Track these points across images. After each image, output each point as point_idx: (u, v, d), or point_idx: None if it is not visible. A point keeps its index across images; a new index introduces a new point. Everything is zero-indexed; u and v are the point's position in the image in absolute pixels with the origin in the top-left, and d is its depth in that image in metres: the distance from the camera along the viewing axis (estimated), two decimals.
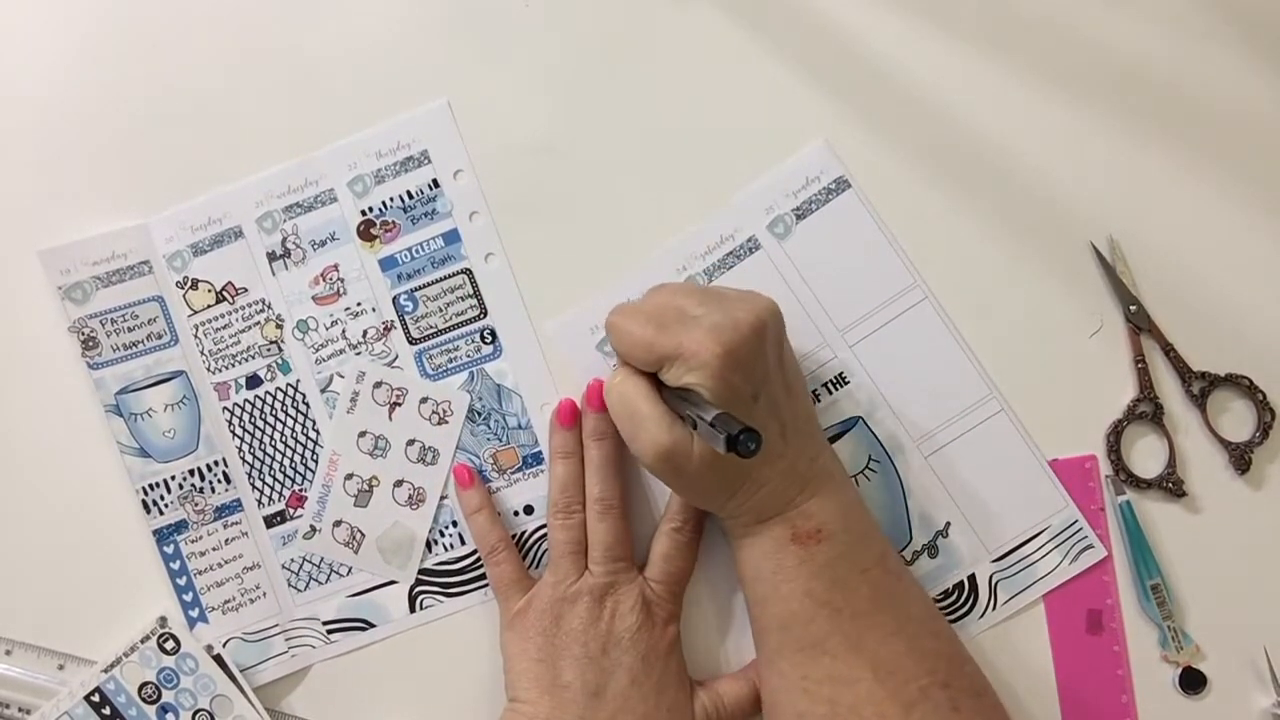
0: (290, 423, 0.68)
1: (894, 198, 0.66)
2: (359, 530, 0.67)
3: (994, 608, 0.64)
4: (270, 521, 0.68)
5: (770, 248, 0.66)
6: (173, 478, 0.67)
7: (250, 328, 0.68)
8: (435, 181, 0.67)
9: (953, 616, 0.65)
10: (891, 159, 0.66)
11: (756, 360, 0.56)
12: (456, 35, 0.68)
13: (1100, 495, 0.65)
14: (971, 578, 0.65)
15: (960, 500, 0.65)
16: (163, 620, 0.66)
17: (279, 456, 0.68)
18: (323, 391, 0.68)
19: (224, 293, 0.68)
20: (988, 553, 0.65)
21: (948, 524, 0.65)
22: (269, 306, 0.68)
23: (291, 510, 0.68)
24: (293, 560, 0.68)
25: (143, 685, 0.65)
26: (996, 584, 0.65)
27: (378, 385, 0.67)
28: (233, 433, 0.68)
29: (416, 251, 0.67)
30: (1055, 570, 0.64)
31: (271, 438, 0.68)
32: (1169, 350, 0.65)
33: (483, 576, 0.67)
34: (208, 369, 0.68)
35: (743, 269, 0.66)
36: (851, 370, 0.65)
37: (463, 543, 0.67)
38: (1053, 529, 0.64)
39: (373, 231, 0.68)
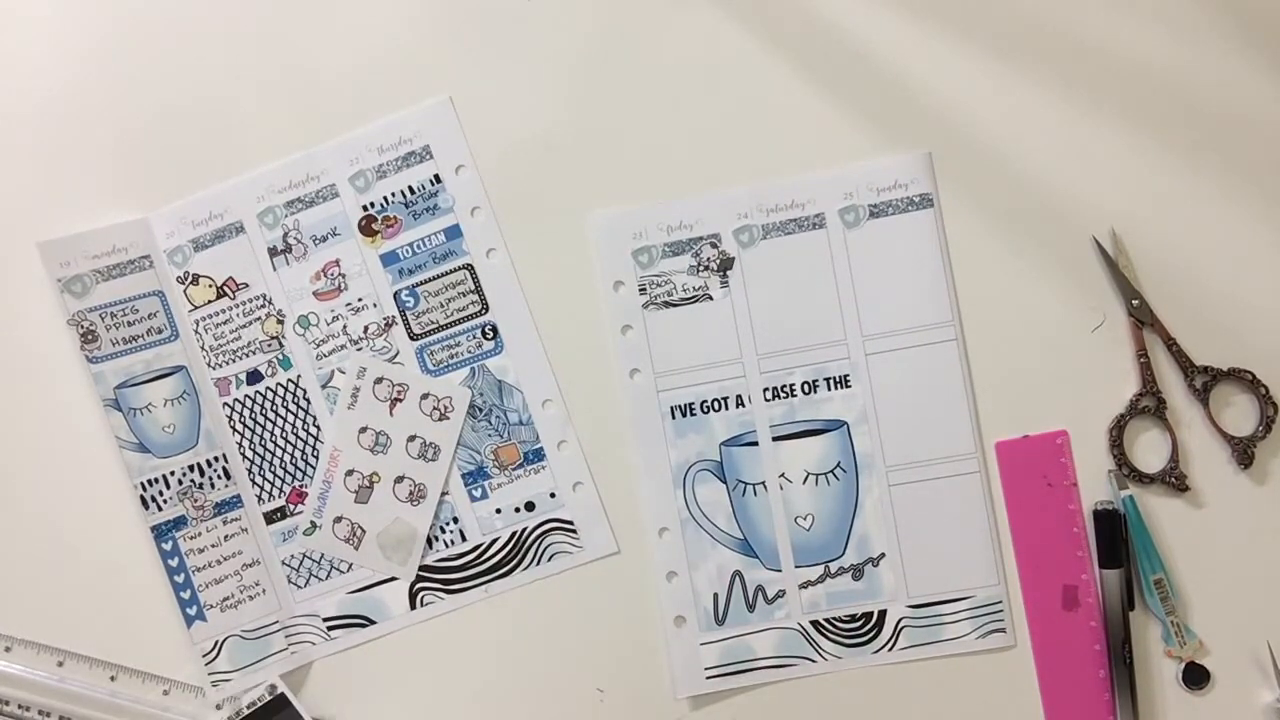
0: (291, 418, 0.67)
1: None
2: (359, 526, 0.67)
3: (890, 649, 0.65)
4: (270, 518, 0.68)
5: (834, 230, 0.66)
6: (172, 473, 0.67)
7: (251, 323, 0.68)
8: (437, 177, 0.67)
9: (852, 641, 0.65)
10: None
11: None
12: (459, 31, 0.68)
13: (1071, 470, 0.65)
14: (883, 613, 0.65)
15: (903, 537, 0.65)
16: None
17: (279, 452, 0.67)
18: (323, 387, 0.67)
19: (225, 288, 0.68)
20: (907, 596, 0.65)
21: (882, 555, 0.65)
22: (270, 302, 0.68)
23: (292, 506, 0.67)
24: (293, 557, 0.67)
25: None
26: (902, 629, 0.65)
27: (379, 381, 0.67)
28: (233, 428, 0.68)
29: (418, 247, 0.67)
30: (960, 639, 0.65)
31: (272, 433, 0.67)
32: (1171, 344, 0.65)
33: (483, 573, 0.66)
34: (208, 364, 0.68)
35: (799, 239, 0.66)
36: (858, 376, 0.66)
37: (463, 539, 0.67)
38: (975, 600, 0.65)
39: (374, 227, 0.67)
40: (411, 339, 0.67)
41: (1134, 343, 0.65)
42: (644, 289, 0.66)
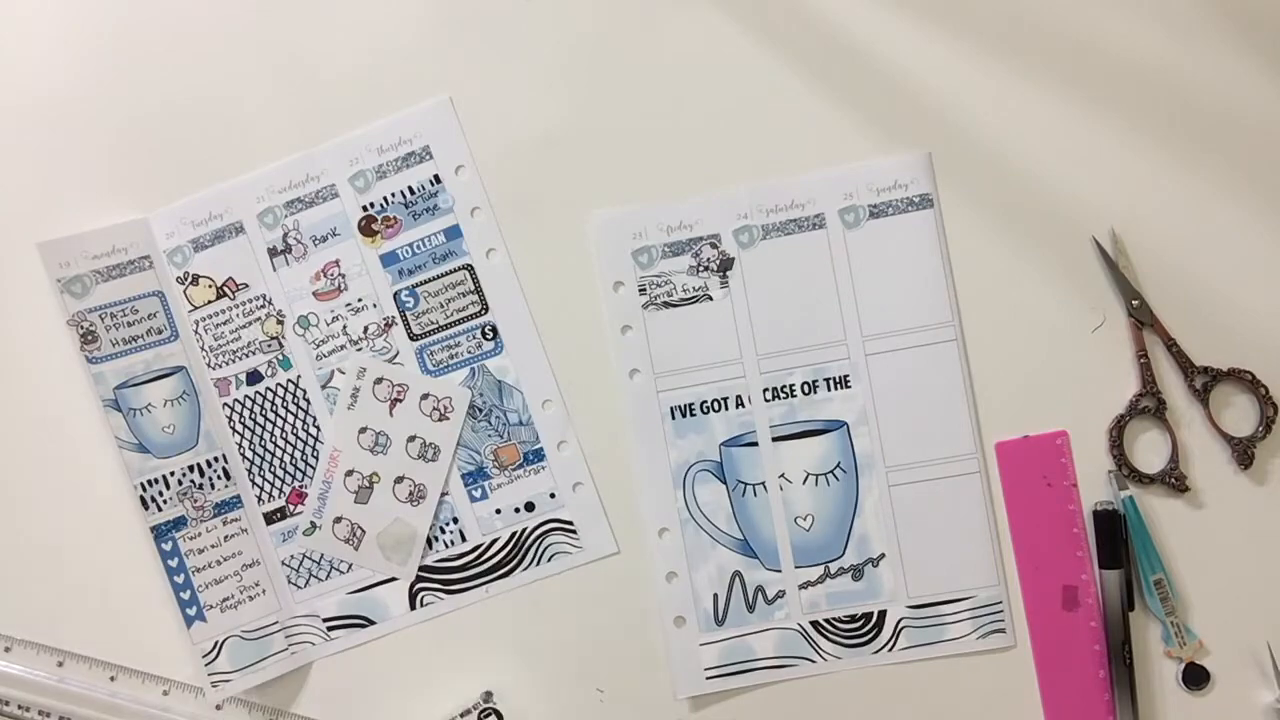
0: (291, 419, 0.67)
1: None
2: (359, 527, 0.67)
3: (891, 649, 0.65)
4: (270, 518, 0.68)
5: (834, 230, 0.66)
6: (172, 474, 0.67)
7: (251, 323, 0.68)
8: (437, 177, 0.67)
9: (852, 641, 0.65)
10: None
11: None
12: (458, 31, 0.68)
13: (1071, 470, 0.65)
14: (883, 613, 0.65)
15: (903, 538, 0.65)
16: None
17: (279, 453, 0.67)
18: (323, 387, 0.67)
19: (225, 288, 0.68)
20: (907, 597, 0.65)
21: (882, 555, 0.65)
22: (270, 302, 0.68)
23: (292, 507, 0.67)
24: (293, 557, 0.67)
25: None
26: (902, 629, 0.65)
27: (378, 381, 0.67)
28: (233, 429, 0.68)
29: (418, 247, 0.67)
30: (961, 639, 0.65)
31: (272, 434, 0.67)
32: (1171, 345, 0.64)
33: (483, 573, 0.66)
34: (208, 364, 0.68)
35: (799, 240, 0.66)
36: (858, 376, 0.66)
37: (463, 539, 0.67)
38: (976, 600, 0.65)
39: (374, 227, 0.67)
40: (411, 339, 0.67)
41: (1134, 343, 0.65)
42: (644, 289, 0.66)
